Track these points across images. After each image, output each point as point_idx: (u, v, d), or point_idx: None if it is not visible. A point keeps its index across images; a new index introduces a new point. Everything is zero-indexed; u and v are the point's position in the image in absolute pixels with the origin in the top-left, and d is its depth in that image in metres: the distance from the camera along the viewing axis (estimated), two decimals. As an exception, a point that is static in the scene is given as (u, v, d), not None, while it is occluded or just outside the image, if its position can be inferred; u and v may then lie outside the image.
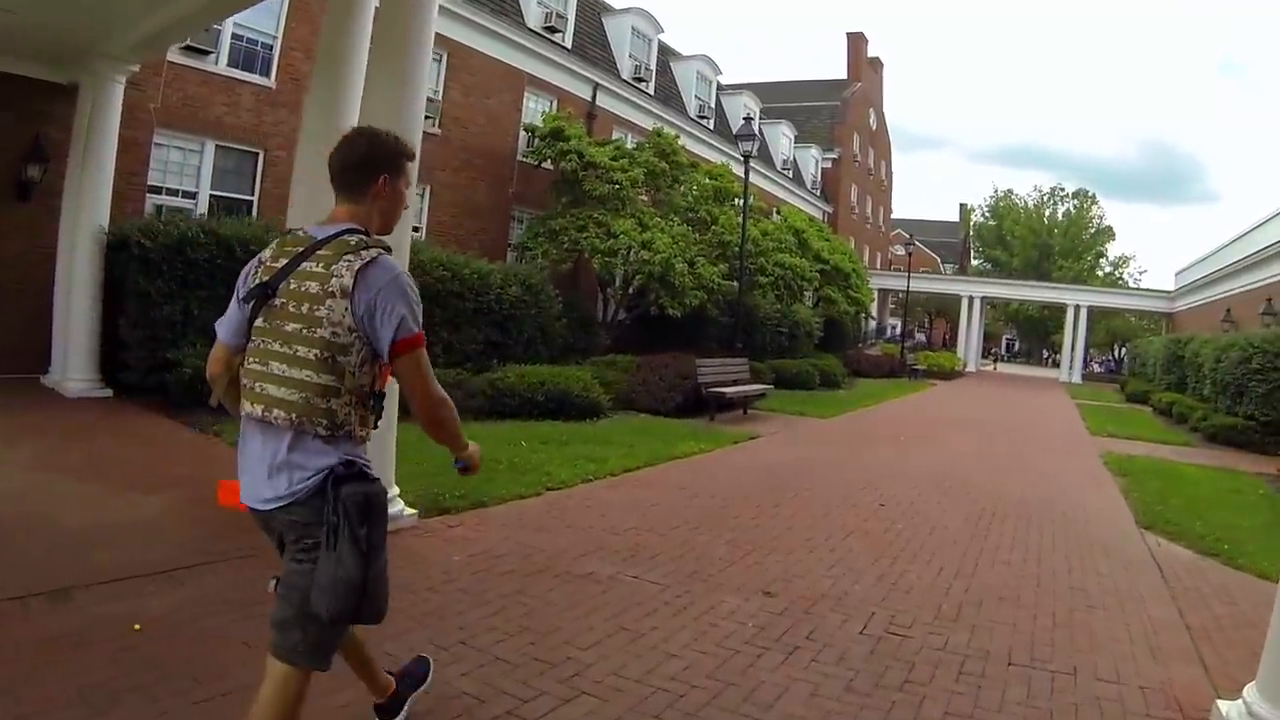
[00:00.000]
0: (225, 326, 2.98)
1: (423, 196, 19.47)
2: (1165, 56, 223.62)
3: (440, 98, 19.67)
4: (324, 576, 2.70)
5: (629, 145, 22.60)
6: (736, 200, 24.33)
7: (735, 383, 17.57)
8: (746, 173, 21.27)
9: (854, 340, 42.35)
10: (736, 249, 21.42)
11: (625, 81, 26.95)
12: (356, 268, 2.73)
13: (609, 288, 21.21)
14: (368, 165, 2.96)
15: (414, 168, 3.28)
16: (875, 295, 50.05)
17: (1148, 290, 52.27)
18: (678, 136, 23.30)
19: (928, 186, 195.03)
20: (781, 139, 42.40)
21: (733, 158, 34.67)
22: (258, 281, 2.85)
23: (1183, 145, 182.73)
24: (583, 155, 20.26)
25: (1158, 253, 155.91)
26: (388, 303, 2.74)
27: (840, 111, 50.46)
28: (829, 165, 48.74)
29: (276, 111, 15.81)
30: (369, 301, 2.73)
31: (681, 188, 22.88)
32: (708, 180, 23.45)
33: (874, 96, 56.54)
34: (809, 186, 45.81)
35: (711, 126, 33.73)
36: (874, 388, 28.25)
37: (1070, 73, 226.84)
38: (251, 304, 2.85)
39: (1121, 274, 73.36)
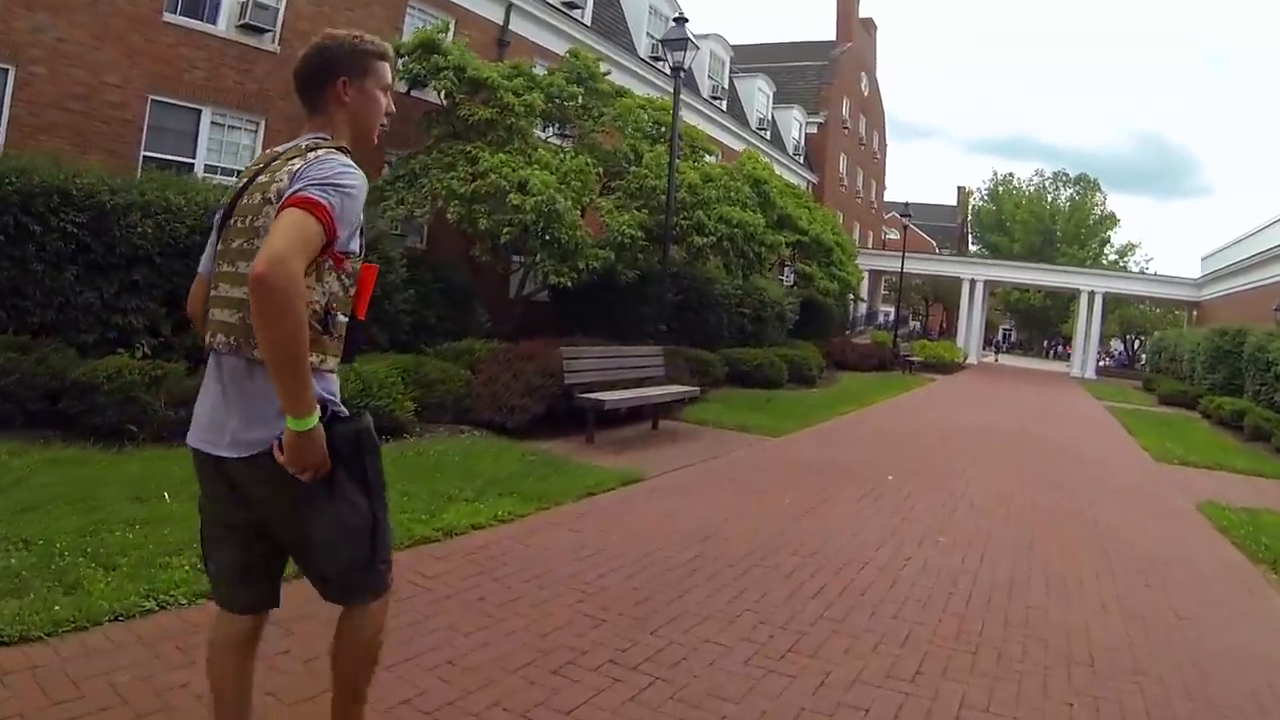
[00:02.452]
0: (204, 258, 2.72)
1: (255, 132, 14.19)
2: (1154, 48, 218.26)
3: (280, 4, 14.18)
4: (329, 529, 2.47)
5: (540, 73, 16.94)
6: (696, 150, 19.00)
7: (641, 382, 12.01)
8: (677, 91, 15.62)
9: (840, 326, 36.87)
10: (665, 196, 15.85)
11: (551, 6, 21.17)
12: (296, 168, 2.44)
13: (476, 246, 15.37)
14: (321, 71, 2.65)
15: (387, 69, 2.76)
16: (865, 276, 44.99)
17: (1170, 277, 46.24)
18: (607, 71, 17.82)
19: (922, 174, 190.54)
20: (757, 95, 36.71)
21: (698, 111, 29.43)
22: (222, 204, 2.67)
23: (1176, 138, 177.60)
24: (463, 72, 14.74)
25: (1156, 245, 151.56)
26: (310, 171, 2.40)
27: (828, 72, 44.83)
28: (814, 130, 43.12)
29: (35, 14, 11.12)
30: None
31: (604, 118, 17.27)
32: (641, 112, 17.75)
33: (866, 59, 50.88)
34: (790, 152, 40.13)
35: (669, 72, 28.10)
36: (859, 384, 22.71)
37: (1061, 64, 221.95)
38: (218, 230, 2.64)
39: (1127, 262, 68.09)
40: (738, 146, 32.76)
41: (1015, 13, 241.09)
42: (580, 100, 16.57)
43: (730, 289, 21.26)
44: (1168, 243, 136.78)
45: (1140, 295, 50.18)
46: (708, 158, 20.06)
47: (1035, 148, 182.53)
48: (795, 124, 41.06)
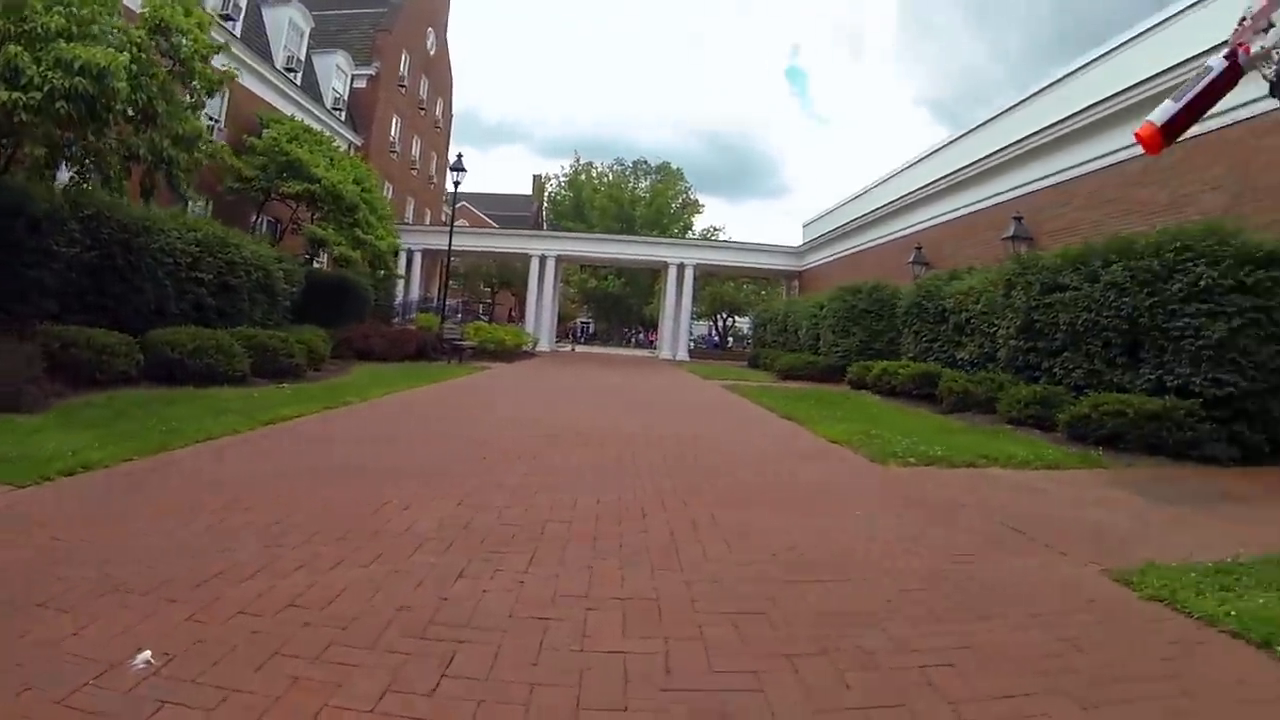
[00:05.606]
0: None
1: None
2: (734, 56, 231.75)
3: None
4: None
5: None
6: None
7: None
8: None
9: (384, 313, 31.12)
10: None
11: None
12: None
13: None
14: None
15: None
16: (419, 257, 40.60)
17: (771, 245, 44.60)
18: None
19: (500, 176, 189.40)
20: (288, 28, 29.88)
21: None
22: None
23: (755, 142, 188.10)
24: None
25: (738, 235, 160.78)
26: None
27: (386, 19, 38.94)
28: (364, 85, 37.12)
29: None
30: None
31: None
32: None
33: (436, 14, 45.63)
34: (330, 105, 33.78)
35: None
36: (372, 377, 16.75)
37: (642, 67, 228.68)
38: None
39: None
40: (253, 87, 26.13)
41: (596, 19, 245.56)
42: None
43: (182, 243, 14.87)
44: (748, 235, 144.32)
45: (737, 266, 47.53)
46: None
47: (617, 149, 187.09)
48: (338, 74, 34.89)
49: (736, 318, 69.13)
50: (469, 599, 3.88)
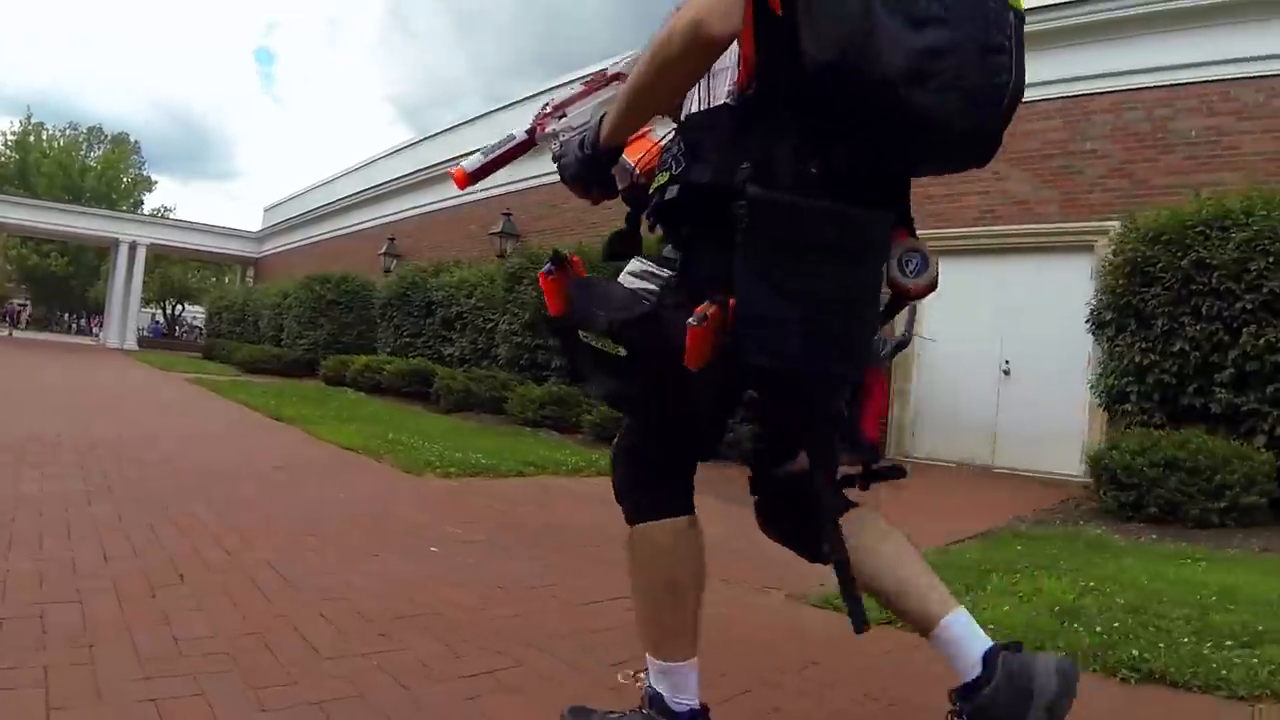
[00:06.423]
0: None
1: None
2: (206, 22, 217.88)
3: None
4: None
5: None
6: None
7: None
8: None
9: None
10: None
11: None
12: None
13: None
14: None
15: None
16: None
17: (231, 229, 43.63)
18: None
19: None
20: None
21: None
22: None
23: (213, 119, 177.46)
24: None
25: (188, 215, 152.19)
26: None
27: None
28: None
29: None
30: None
31: None
32: None
33: None
34: None
35: None
36: None
37: (112, 22, 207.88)
38: None
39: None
40: None
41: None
42: None
43: None
44: (199, 216, 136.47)
45: (192, 249, 44.99)
46: None
47: (75, 115, 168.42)
48: None
49: (185, 305, 65.58)
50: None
